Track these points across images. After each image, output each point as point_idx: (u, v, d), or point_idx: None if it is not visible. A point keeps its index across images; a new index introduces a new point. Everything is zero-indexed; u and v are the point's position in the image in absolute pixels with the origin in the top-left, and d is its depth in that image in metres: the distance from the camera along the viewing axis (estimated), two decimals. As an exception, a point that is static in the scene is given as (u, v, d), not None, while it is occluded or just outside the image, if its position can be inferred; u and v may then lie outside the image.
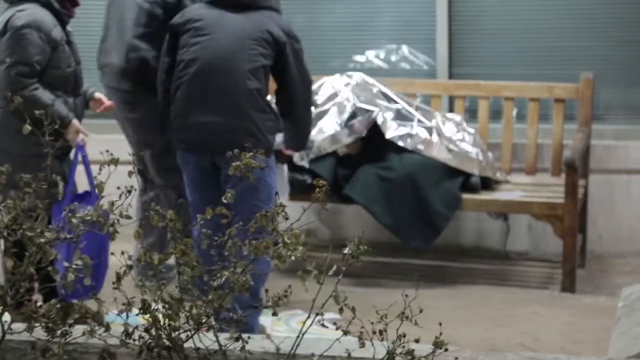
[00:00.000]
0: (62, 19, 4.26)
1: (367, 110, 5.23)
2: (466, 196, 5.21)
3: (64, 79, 4.26)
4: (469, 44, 5.86)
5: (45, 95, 4.14)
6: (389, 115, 5.23)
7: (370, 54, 6.00)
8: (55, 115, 4.15)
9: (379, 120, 5.20)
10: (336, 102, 5.32)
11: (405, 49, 5.97)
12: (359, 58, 5.98)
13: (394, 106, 5.29)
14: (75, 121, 4.26)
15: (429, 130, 5.27)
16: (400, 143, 5.19)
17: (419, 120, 5.27)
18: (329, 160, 5.24)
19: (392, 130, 5.21)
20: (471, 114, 5.74)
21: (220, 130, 4.19)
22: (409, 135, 5.21)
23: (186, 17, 4.37)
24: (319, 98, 5.33)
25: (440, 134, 5.29)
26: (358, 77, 5.44)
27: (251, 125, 4.20)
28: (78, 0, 4.34)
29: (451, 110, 5.74)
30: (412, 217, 5.13)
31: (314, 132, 5.03)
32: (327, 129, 5.24)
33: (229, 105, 4.21)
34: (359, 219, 5.57)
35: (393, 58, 6.00)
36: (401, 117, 5.27)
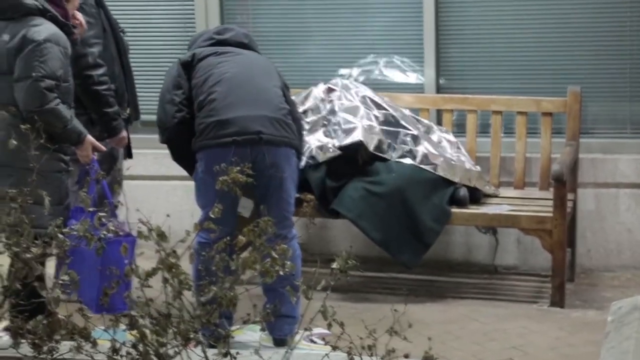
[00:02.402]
0: (66, 32, 4.29)
1: (351, 129, 5.22)
2: (455, 210, 5.21)
3: (70, 92, 4.28)
4: (456, 58, 5.87)
5: (65, 110, 4.17)
6: (374, 125, 5.24)
7: (357, 67, 6.00)
8: (72, 131, 4.20)
9: (362, 137, 5.19)
10: (321, 115, 5.34)
11: (392, 62, 5.97)
12: (345, 71, 5.98)
13: (380, 112, 5.32)
14: (90, 137, 4.28)
15: (415, 138, 5.28)
16: (387, 156, 5.20)
17: (405, 127, 5.29)
18: (319, 170, 5.22)
19: (378, 143, 5.21)
20: (459, 128, 5.74)
21: (263, 121, 4.38)
22: (394, 146, 5.22)
23: (200, 53, 4.61)
24: (304, 107, 5.35)
25: (428, 143, 5.30)
26: (342, 84, 5.47)
27: (289, 120, 4.47)
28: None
29: (439, 123, 5.75)
30: (400, 232, 5.12)
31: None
32: (314, 140, 5.25)
33: (268, 102, 4.46)
34: (347, 233, 5.55)
35: (380, 71, 6.00)
36: (387, 123, 5.28)
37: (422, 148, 5.26)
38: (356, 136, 5.21)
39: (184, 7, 6.07)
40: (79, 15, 4.53)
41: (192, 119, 4.53)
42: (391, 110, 5.38)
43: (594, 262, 5.61)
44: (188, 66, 4.61)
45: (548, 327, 4.79)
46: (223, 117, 4.40)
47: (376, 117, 5.32)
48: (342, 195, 5.18)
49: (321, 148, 5.23)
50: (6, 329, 2.24)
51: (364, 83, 5.78)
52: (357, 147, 5.21)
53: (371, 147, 5.21)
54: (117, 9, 4.96)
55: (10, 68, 4.20)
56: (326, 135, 5.30)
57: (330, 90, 5.47)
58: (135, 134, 5.08)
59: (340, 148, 5.21)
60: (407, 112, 5.56)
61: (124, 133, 4.85)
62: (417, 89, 5.89)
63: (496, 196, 5.44)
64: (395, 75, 5.98)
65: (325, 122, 5.34)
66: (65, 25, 4.32)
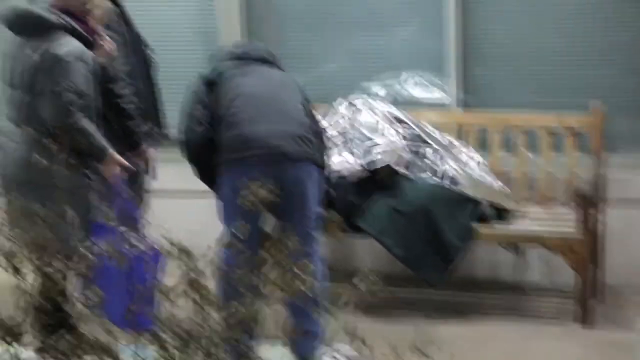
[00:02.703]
0: (89, 47, 4.31)
1: (374, 147, 5.21)
2: (480, 228, 5.19)
3: (93, 107, 4.30)
4: (479, 74, 5.86)
5: (89, 125, 4.18)
6: (397, 142, 5.22)
7: (379, 83, 6.00)
8: (96, 147, 4.22)
9: (386, 155, 5.17)
10: (343, 132, 5.34)
11: (414, 78, 5.97)
12: (367, 86, 5.98)
13: (403, 129, 5.31)
14: (114, 153, 4.30)
15: (439, 155, 5.26)
16: (411, 175, 5.19)
17: (429, 144, 5.28)
18: (342, 187, 5.21)
19: (402, 160, 5.20)
20: (482, 144, 5.73)
21: (284, 136, 4.38)
22: (417, 163, 5.21)
23: (221, 68, 4.62)
24: (327, 125, 5.35)
25: (452, 161, 5.28)
26: (364, 101, 5.47)
27: (310, 136, 4.45)
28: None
29: (462, 140, 5.73)
30: (424, 249, 5.11)
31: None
32: (337, 158, 5.25)
33: (289, 118, 4.46)
34: (371, 250, 5.54)
35: (402, 87, 5.99)
36: (410, 140, 5.27)
37: (446, 165, 5.25)
38: (380, 155, 5.20)
39: (207, 23, 6.10)
40: (109, 42, 4.53)
41: (214, 135, 4.54)
42: (414, 127, 5.38)
43: (620, 280, 5.56)
44: (210, 82, 4.62)
45: (573, 346, 4.76)
46: (244, 132, 4.40)
47: (399, 134, 5.32)
48: (366, 212, 5.17)
49: (344, 165, 5.22)
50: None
51: (386, 99, 5.77)
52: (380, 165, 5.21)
53: (394, 165, 5.20)
54: (141, 24, 4.97)
55: (34, 84, 4.22)
56: (349, 153, 5.30)
57: (352, 107, 5.47)
58: (159, 149, 5.08)
59: (364, 167, 5.19)
60: (430, 128, 5.55)
61: (146, 148, 4.86)
62: (440, 105, 5.88)
63: (520, 213, 5.41)
64: (417, 91, 5.98)
65: (348, 140, 5.33)
66: (88, 41, 4.35)
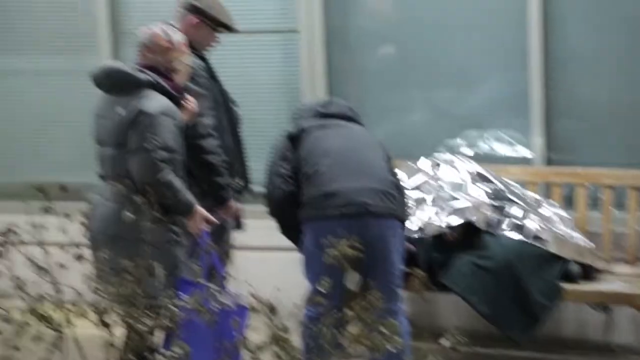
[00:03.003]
0: (176, 104, 4.39)
1: (458, 206, 5.17)
2: (566, 286, 5.10)
3: (181, 163, 4.36)
4: (565, 130, 5.80)
5: (177, 181, 4.24)
6: (481, 200, 5.17)
7: (462, 139, 5.98)
8: (183, 202, 4.28)
9: (471, 214, 5.12)
10: (427, 189, 5.31)
11: (498, 134, 5.93)
12: (450, 143, 5.96)
13: (487, 186, 5.26)
14: (200, 208, 4.34)
15: (524, 213, 5.20)
16: (495, 231, 5.13)
17: (514, 201, 5.22)
18: (426, 243, 5.18)
19: (486, 218, 5.15)
20: (568, 202, 5.64)
21: (368, 192, 4.41)
22: (501, 220, 5.15)
23: (304, 124, 4.69)
24: (410, 183, 5.33)
25: (537, 218, 5.21)
26: (447, 159, 5.43)
27: (393, 191, 4.48)
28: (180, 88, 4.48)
29: (548, 197, 5.66)
30: (510, 306, 5.03)
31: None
32: (421, 215, 5.22)
33: (372, 174, 4.50)
34: (455, 307, 5.48)
35: (485, 143, 5.96)
36: (495, 198, 5.21)
37: (531, 223, 5.17)
38: (462, 212, 5.16)
39: (291, 80, 6.15)
40: (192, 101, 4.60)
41: (299, 191, 4.57)
42: (499, 184, 5.33)
43: None
44: (294, 139, 4.66)
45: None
46: (329, 189, 4.42)
47: (484, 192, 5.26)
48: (450, 269, 5.12)
49: (426, 222, 5.19)
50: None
51: (469, 155, 5.74)
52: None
53: (479, 224, 5.15)
54: (226, 79, 5.05)
55: (124, 140, 4.30)
56: (431, 209, 5.25)
57: (435, 165, 5.45)
58: (244, 204, 5.13)
59: (449, 227, 5.14)
60: (514, 185, 5.49)
61: (234, 204, 4.90)
62: (525, 161, 5.83)
63: (609, 272, 5.31)
64: (501, 148, 5.93)
65: (432, 198, 5.29)
66: (176, 97, 4.42)
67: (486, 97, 5.92)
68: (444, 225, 5.16)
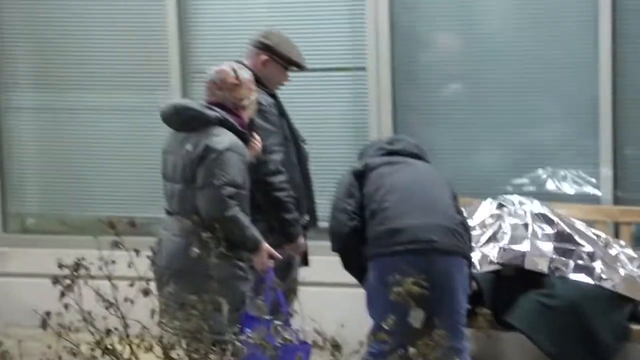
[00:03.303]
0: (244, 140, 4.44)
1: (519, 249, 5.12)
2: (635, 327, 5.02)
3: (248, 199, 4.40)
4: (634, 169, 5.74)
5: (244, 217, 4.29)
6: (547, 245, 5.11)
7: (529, 178, 5.94)
8: (249, 238, 4.32)
9: (532, 258, 5.07)
10: (488, 228, 5.27)
11: (565, 172, 5.89)
12: (517, 181, 5.93)
13: (552, 229, 5.19)
14: (266, 245, 4.38)
15: (592, 254, 5.13)
16: (561, 275, 5.06)
17: (580, 244, 5.15)
18: (489, 280, 5.13)
19: (549, 261, 5.08)
20: (637, 242, 5.57)
21: (435, 229, 4.41)
22: (567, 263, 5.08)
23: (370, 161, 4.72)
24: (473, 223, 5.29)
25: (604, 259, 5.15)
26: (511, 200, 5.38)
27: (460, 229, 4.48)
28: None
29: (616, 237, 5.59)
30: (577, 347, 4.96)
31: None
32: (483, 253, 5.18)
33: (439, 211, 4.50)
34: (520, 346, 5.41)
35: (553, 182, 5.92)
36: (560, 241, 5.15)
37: (599, 264, 5.10)
38: (523, 255, 5.10)
39: (358, 117, 6.18)
40: (258, 140, 4.65)
41: (364, 228, 4.57)
42: (565, 227, 5.24)
43: None
44: (360, 175, 4.68)
45: None
46: (395, 225, 4.42)
47: (548, 236, 5.20)
48: (515, 307, 5.07)
49: (489, 260, 5.15)
50: None
51: (536, 193, 5.70)
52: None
53: (544, 268, 5.08)
54: (294, 116, 5.10)
55: (192, 176, 4.36)
56: (494, 248, 5.20)
57: (499, 206, 5.40)
58: (309, 240, 5.16)
59: (504, 264, 5.09)
60: (582, 225, 5.43)
61: (301, 240, 4.92)
62: (593, 200, 5.77)
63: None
64: (569, 186, 5.88)
65: (490, 236, 5.24)
66: (243, 134, 4.48)
67: (554, 135, 5.88)
68: (505, 264, 5.11)
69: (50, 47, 6.55)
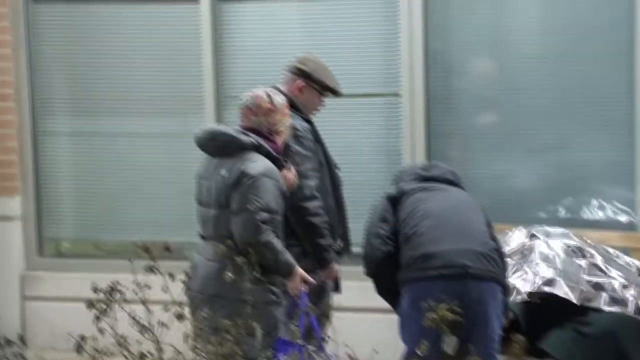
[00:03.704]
0: (278, 166, 4.46)
1: (549, 281, 5.07)
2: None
3: (281, 224, 4.41)
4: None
5: (278, 242, 4.30)
6: (579, 278, 5.06)
7: (562, 204, 5.91)
8: (283, 263, 4.33)
9: (561, 291, 5.02)
10: (518, 257, 5.23)
11: (600, 199, 5.85)
12: (552, 208, 5.90)
13: (584, 261, 5.13)
14: (300, 270, 4.39)
15: (625, 285, 5.07)
16: (594, 306, 5.01)
17: (612, 276, 5.09)
18: (523, 307, 5.09)
19: (582, 294, 5.03)
20: (674, 269, 5.52)
21: (469, 255, 4.38)
22: (599, 295, 5.02)
23: (405, 187, 4.73)
24: (506, 249, 5.26)
25: (638, 287, 5.09)
26: (544, 231, 5.33)
27: (494, 255, 4.46)
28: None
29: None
30: (612, 375, 4.92)
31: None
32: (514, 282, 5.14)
33: (473, 238, 4.48)
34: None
35: (587, 208, 5.88)
36: (592, 272, 5.09)
37: (634, 294, 5.05)
38: (551, 285, 5.05)
39: (392, 142, 6.19)
40: (293, 172, 4.66)
41: (397, 253, 4.57)
42: (597, 258, 5.18)
43: None
44: (394, 201, 4.68)
45: None
46: (429, 250, 4.42)
47: (580, 267, 5.14)
48: (549, 335, 5.04)
49: (523, 288, 5.10)
50: None
51: (570, 219, 5.66)
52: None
53: (576, 301, 5.02)
54: (329, 142, 5.12)
55: (226, 201, 4.38)
56: (524, 280, 5.15)
57: (532, 237, 5.36)
58: (342, 266, 5.16)
59: (530, 294, 5.05)
60: (615, 253, 5.37)
61: (335, 265, 4.92)
62: (630, 227, 5.73)
63: None
64: (605, 214, 5.85)
65: (524, 269, 5.19)
66: (278, 159, 4.49)
67: (589, 161, 5.86)
68: (528, 290, 5.07)
69: (86, 73, 6.62)
